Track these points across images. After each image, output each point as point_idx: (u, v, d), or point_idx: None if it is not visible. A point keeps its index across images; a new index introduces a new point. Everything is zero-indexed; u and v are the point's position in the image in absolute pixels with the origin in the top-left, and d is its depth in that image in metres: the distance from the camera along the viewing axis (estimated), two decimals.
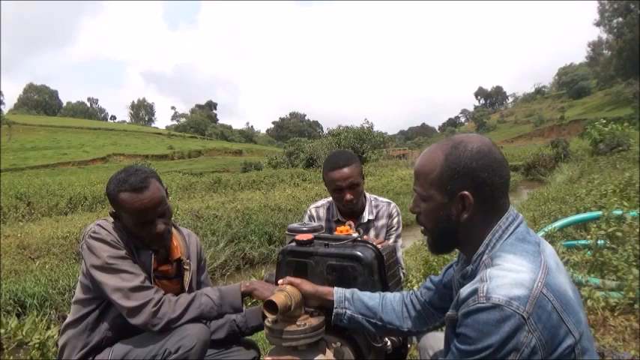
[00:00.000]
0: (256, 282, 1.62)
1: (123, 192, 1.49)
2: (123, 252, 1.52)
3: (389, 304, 1.29)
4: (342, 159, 2.07)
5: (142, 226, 1.52)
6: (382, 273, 1.39)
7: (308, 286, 1.30)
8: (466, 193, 0.98)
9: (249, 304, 3.08)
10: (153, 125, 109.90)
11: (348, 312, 1.26)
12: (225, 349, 1.70)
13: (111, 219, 1.60)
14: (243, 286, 1.60)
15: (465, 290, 0.92)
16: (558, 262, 0.97)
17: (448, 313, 1.01)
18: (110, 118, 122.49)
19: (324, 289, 1.30)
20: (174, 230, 1.73)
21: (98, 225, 1.55)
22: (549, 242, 3.85)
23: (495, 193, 0.99)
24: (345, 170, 2.03)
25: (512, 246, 0.96)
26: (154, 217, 1.52)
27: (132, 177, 1.50)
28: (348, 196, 2.05)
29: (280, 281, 1.32)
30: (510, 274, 0.88)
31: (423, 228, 1.11)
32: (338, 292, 1.28)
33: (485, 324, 0.84)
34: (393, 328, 1.27)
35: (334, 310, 1.27)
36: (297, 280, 1.30)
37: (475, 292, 0.88)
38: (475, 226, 1.01)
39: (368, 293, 1.30)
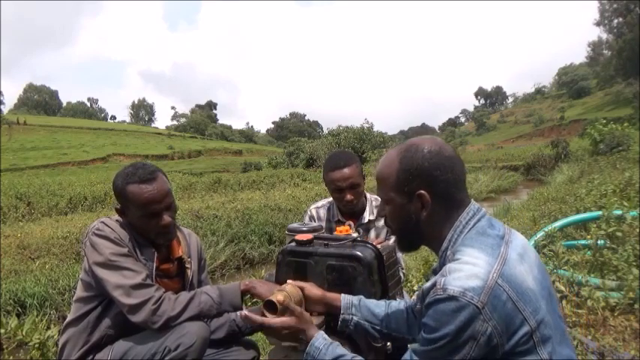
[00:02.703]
0: (256, 281, 1.62)
1: (131, 184, 1.52)
2: (125, 249, 1.52)
3: (394, 312, 1.29)
4: (342, 159, 2.07)
5: (149, 219, 1.54)
6: (382, 273, 1.39)
7: (316, 290, 1.31)
8: (422, 192, 1.05)
9: (249, 304, 3.08)
10: (153, 125, 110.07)
11: (355, 318, 1.27)
12: (225, 349, 1.70)
13: (115, 217, 1.61)
14: (242, 284, 1.60)
15: (427, 284, 0.99)
16: (525, 254, 1.01)
17: (417, 306, 1.06)
18: (110, 118, 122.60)
19: (332, 295, 1.31)
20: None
21: (102, 222, 1.56)
22: (549, 242, 3.85)
23: (450, 189, 1.05)
24: (346, 171, 2.03)
25: (472, 240, 1.01)
26: (161, 209, 1.54)
27: (140, 170, 1.54)
28: (349, 197, 2.05)
29: (289, 282, 1.32)
30: (467, 266, 0.93)
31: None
32: (345, 299, 1.29)
33: (443, 314, 0.90)
34: (398, 336, 1.28)
35: (341, 316, 1.28)
36: (306, 285, 1.31)
37: (434, 284, 0.94)
38: (436, 223, 1.07)
39: (374, 301, 1.31)
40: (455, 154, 1.08)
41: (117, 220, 1.60)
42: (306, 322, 1.22)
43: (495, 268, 0.92)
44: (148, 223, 1.55)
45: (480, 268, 0.92)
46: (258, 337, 2.44)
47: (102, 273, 1.49)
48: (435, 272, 1.09)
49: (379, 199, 2.45)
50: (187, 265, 1.71)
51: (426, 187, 1.04)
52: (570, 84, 79.40)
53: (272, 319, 1.22)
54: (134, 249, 1.57)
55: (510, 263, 0.94)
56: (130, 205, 1.54)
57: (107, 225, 1.55)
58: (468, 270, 0.92)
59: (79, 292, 1.59)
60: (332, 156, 2.16)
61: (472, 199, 1.10)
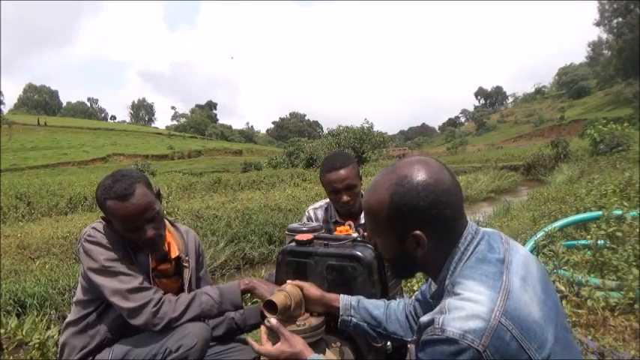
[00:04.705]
0: (255, 280, 1.62)
1: (108, 199, 1.47)
2: (119, 254, 1.52)
3: (393, 313, 1.28)
4: (338, 160, 2.06)
5: (132, 232, 1.51)
6: (382, 273, 1.39)
7: (315, 290, 1.30)
8: (417, 232, 0.95)
9: (249, 303, 3.08)
10: (153, 125, 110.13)
11: (354, 320, 1.27)
12: (225, 348, 1.70)
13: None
14: (242, 284, 1.60)
15: (424, 318, 0.92)
16: (527, 274, 0.95)
17: (414, 337, 1.00)
18: (110, 118, 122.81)
19: (330, 295, 1.30)
20: (171, 228, 1.73)
21: (93, 228, 1.55)
22: (549, 242, 3.83)
23: (449, 224, 0.97)
24: (342, 172, 2.03)
25: (471, 269, 0.94)
26: (142, 224, 1.50)
27: (117, 183, 1.48)
28: (345, 198, 2.05)
29: (289, 282, 1.32)
30: (468, 304, 0.87)
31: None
32: (344, 300, 1.29)
33: (441, 355, 0.85)
34: (397, 338, 1.28)
35: (340, 318, 1.27)
36: (305, 284, 1.31)
37: (432, 322, 0.88)
38: (434, 255, 0.99)
39: (373, 301, 1.30)
40: (452, 183, 0.97)
41: (108, 225, 1.57)
42: (297, 345, 1.18)
43: (498, 305, 0.85)
44: (131, 236, 1.52)
45: (481, 306, 0.85)
46: (259, 337, 2.43)
47: (98, 279, 1.48)
48: (434, 297, 1.06)
49: None
50: (185, 264, 1.71)
51: (422, 227, 0.95)
52: (570, 84, 79.48)
53: (266, 348, 1.22)
54: (128, 252, 1.56)
55: (514, 295, 0.87)
56: (111, 218, 1.51)
57: (99, 230, 1.54)
58: (469, 309, 0.85)
59: (78, 294, 1.60)
60: (328, 157, 2.16)
61: (469, 220, 1.02)
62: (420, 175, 0.95)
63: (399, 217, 0.96)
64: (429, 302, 1.19)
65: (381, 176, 1.01)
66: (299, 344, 1.18)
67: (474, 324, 0.83)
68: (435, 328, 0.86)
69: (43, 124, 61.78)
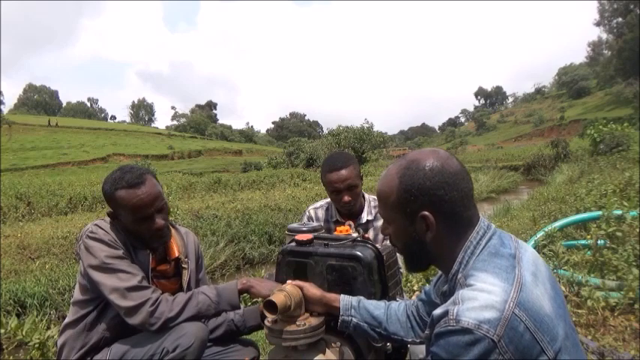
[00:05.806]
0: (253, 279, 1.62)
1: (120, 189, 1.50)
2: (120, 252, 1.52)
3: (394, 314, 1.28)
4: (339, 160, 2.06)
5: (141, 223, 1.52)
6: (382, 273, 1.39)
7: (315, 290, 1.30)
8: (425, 213, 0.98)
9: (249, 303, 3.08)
10: (153, 125, 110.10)
11: (354, 320, 1.26)
12: (224, 349, 1.70)
13: (108, 219, 1.60)
14: (240, 283, 1.60)
15: (437, 311, 0.92)
16: (537, 271, 0.96)
17: (425, 332, 1.00)
18: (110, 118, 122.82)
19: (330, 295, 1.30)
20: (172, 229, 1.73)
21: (95, 225, 1.55)
22: (549, 242, 3.84)
23: (457, 209, 0.98)
24: (343, 172, 2.03)
25: (484, 262, 0.95)
26: (153, 213, 1.53)
27: (128, 174, 1.51)
28: (346, 198, 2.05)
29: (289, 282, 1.32)
30: (482, 294, 0.87)
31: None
32: (344, 300, 1.28)
33: (456, 346, 0.85)
34: (397, 338, 1.27)
35: (340, 318, 1.27)
36: (305, 284, 1.30)
37: (446, 313, 0.88)
38: (444, 244, 1.01)
39: (374, 302, 1.30)
40: (460, 169, 1.00)
41: (111, 223, 1.58)
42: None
43: (512, 297, 0.86)
44: (140, 227, 1.53)
45: (495, 296, 0.86)
46: (258, 337, 2.44)
47: (97, 276, 1.48)
48: (445, 295, 1.06)
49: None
50: (184, 266, 1.71)
51: (430, 207, 0.97)
52: (570, 84, 79.47)
53: None
54: (129, 251, 1.56)
55: (527, 288, 0.88)
56: (121, 210, 1.52)
57: (101, 227, 1.54)
58: (483, 299, 0.86)
59: (77, 295, 1.59)
60: (329, 157, 2.16)
61: (481, 216, 1.04)
62: (427, 160, 1.00)
63: (407, 197, 0.99)
64: (434, 302, 1.19)
65: (393, 165, 1.06)
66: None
67: (489, 314, 0.84)
68: (449, 319, 0.86)
69: (54, 124, 61.50)
